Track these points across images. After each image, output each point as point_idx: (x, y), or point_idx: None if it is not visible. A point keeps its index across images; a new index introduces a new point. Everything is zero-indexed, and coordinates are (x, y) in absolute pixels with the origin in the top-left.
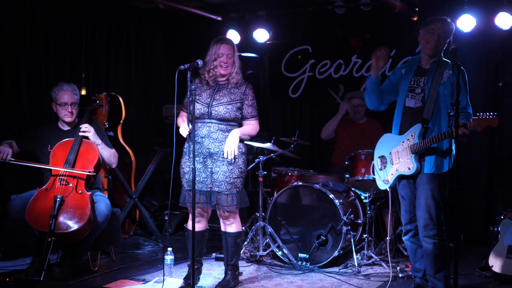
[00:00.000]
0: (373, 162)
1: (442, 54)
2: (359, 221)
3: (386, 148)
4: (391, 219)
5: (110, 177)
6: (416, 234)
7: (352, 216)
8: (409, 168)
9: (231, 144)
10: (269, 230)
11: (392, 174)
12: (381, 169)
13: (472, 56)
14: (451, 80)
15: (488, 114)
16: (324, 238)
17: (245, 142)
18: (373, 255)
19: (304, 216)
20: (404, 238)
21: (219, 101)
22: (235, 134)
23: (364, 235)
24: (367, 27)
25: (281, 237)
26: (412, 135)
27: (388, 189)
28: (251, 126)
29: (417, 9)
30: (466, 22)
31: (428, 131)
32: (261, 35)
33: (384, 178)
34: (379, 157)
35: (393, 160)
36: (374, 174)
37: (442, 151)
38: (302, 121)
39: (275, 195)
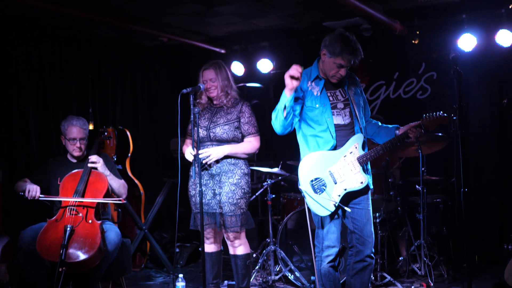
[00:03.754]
0: (301, 188)
1: None
2: None
3: (321, 168)
4: (402, 239)
5: (119, 210)
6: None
7: None
8: (361, 182)
9: (213, 151)
10: (281, 254)
11: (339, 195)
12: (317, 193)
13: (475, 74)
14: (359, 90)
15: (438, 113)
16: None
17: (254, 168)
18: (386, 275)
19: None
20: (329, 266)
21: (216, 123)
22: (224, 147)
23: (376, 255)
24: (369, 51)
25: (293, 263)
26: (355, 147)
27: (333, 209)
28: (248, 144)
29: (417, 32)
30: (467, 42)
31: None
32: (265, 65)
33: (331, 200)
34: (312, 181)
35: (337, 178)
36: (308, 202)
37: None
38: None
39: (285, 218)
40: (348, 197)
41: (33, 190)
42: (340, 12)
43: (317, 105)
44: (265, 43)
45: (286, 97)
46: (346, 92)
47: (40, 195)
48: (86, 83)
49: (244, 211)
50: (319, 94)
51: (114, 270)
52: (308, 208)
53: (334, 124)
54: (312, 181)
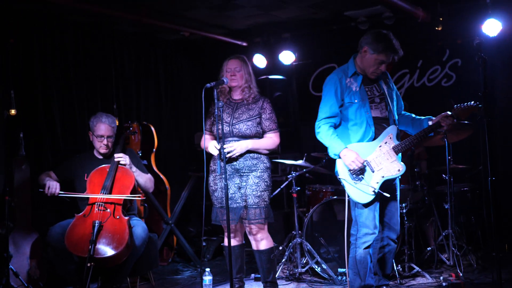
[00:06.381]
0: (340, 178)
1: None
2: None
3: None
4: (430, 229)
5: (146, 205)
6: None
7: None
8: (399, 170)
9: (237, 145)
10: (307, 246)
11: (377, 183)
12: (356, 181)
13: (501, 60)
14: (392, 85)
15: (469, 102)
16: None
17: (278, 160)
18: (414, 266)
19: (341, 230)
20: (365, 252)
21: (239, 119)
22: (247, 142)
23: (404, 246)
24: None
25: (320, 255)
26: (390, 137)
27: (373, 195)
28: (269, 140)
29: (441, 19)
30: (491, 27)
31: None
32: (287, 57)
33: (370, 186)
34: (350, 170)
35: (374, 167)
36: (348, 190)
37: None
38: None
39: (310, 210)
40: (382, 187)
41: (53, 187)
42: (361, 1)
43: (355, 100)
44: (287, 34)
45: (338, 157)
46: (381, 87)
47: (60, 192)
48: (110, 79)
49: (266, 204)
50: (357, 89)
51: (142, 264)
52: (347, 197)
53: (373, 117)
54: (350, 170)
